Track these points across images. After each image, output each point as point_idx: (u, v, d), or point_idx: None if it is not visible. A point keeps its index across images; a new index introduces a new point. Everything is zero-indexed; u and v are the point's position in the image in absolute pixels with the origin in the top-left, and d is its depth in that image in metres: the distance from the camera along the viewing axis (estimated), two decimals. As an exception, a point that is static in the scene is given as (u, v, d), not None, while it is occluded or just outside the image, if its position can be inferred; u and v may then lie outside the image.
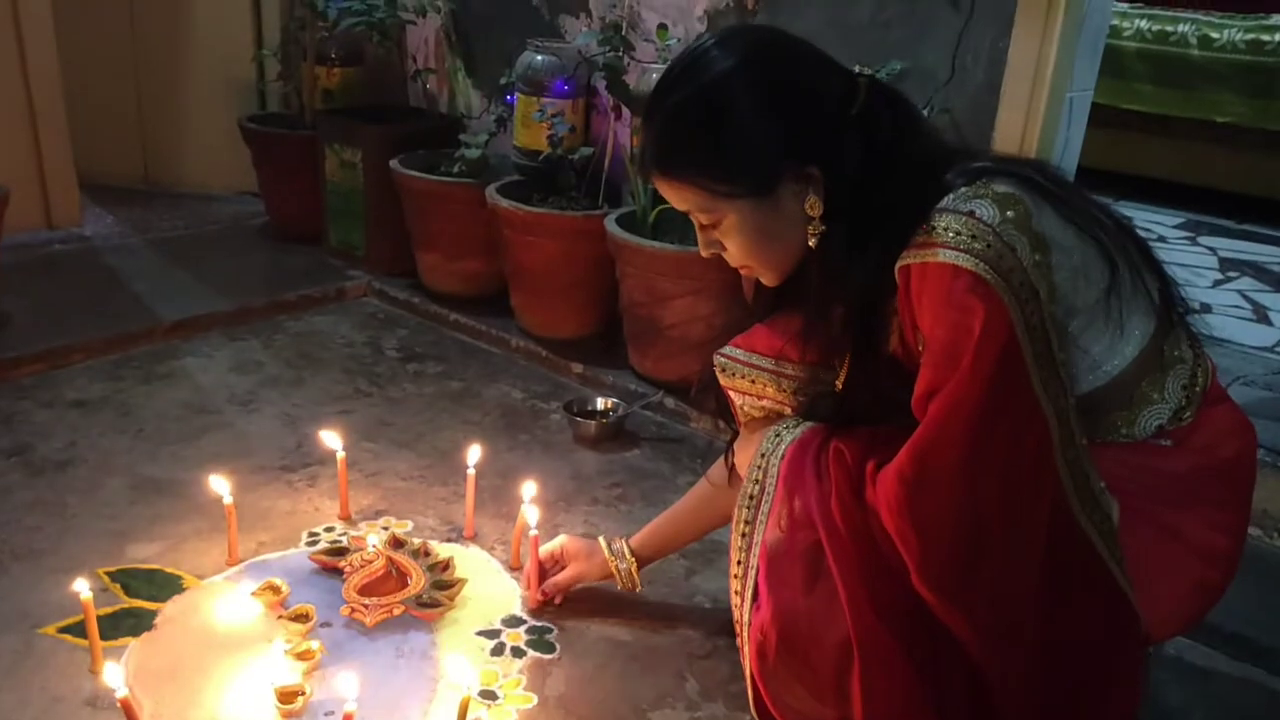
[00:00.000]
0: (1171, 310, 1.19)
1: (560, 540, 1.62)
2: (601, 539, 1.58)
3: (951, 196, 1.10)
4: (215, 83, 3.62)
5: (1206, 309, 2.95)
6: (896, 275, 1.12)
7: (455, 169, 2.75)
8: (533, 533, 1.59)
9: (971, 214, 1.06)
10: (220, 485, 1.64)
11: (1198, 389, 1.18)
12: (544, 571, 1.60)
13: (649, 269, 2.27)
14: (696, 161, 1.16)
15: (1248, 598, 1.28)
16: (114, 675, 1.20)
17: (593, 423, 2.19)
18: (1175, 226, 3.85)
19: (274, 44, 3.46)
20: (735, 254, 1.23)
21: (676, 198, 1.21)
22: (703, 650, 1.53)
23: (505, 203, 2.51)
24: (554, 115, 2.55)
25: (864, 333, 1.22)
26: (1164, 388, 1.16)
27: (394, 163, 2.81)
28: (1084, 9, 2.04)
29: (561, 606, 1.60)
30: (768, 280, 1.27)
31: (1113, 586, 1.11)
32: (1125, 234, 1.19)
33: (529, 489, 1.68)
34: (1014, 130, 2.09)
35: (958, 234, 1.05)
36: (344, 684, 1.21)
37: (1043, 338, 1.04)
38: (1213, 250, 3.61)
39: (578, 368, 2.50)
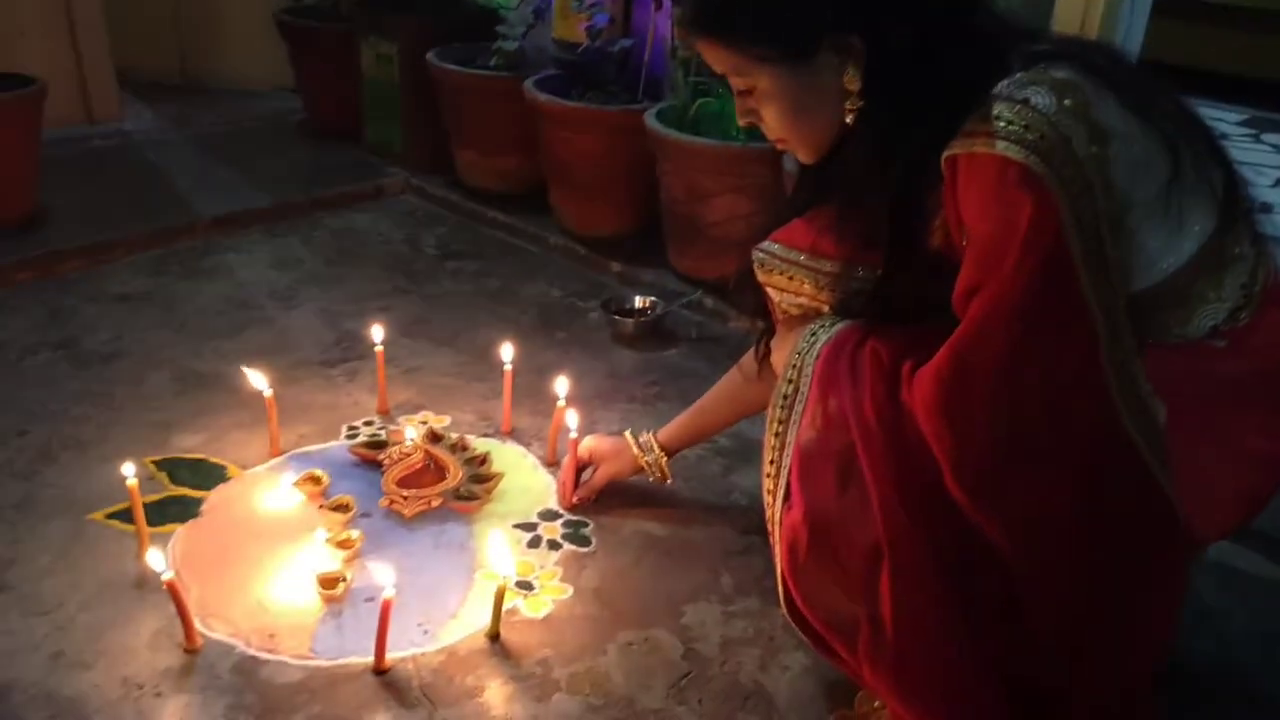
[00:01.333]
0: (1235, 205, 1.13)
1: (587, 442, 1.63)
2: (628, 434, 1.59)
3: (1007, 82, 1.04)
4: (251, -26, 3.56)
5: (1268, 208, 2.85)
6: (943, 165, 1.07)
7: (492, 62, 2.69)
8: (572, 435, 1.60)
9: (1026, 101, 1.00)
10: (257, 378, 1.66)
11: (1257, 288, 1.13)
12: (579, 474, 1.61)
13: (689, 165, 2.23)
14: (730, 20, 1.12)
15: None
16: (157, 559, 1.23)
17: (630, 321, 2.17)
18: (1239, 123, 3.71)
19: (309, -68, 3.38)
20: (770, 124, 1.19)
21: (711, 57, 1.17)
22: (738, 546, 1.53)
23: (543, 96, 2.45)
24: (592, 5, 2.48)
25: (904, 225, 1.18)
26: (1222, 286, 1.11)
27: (430, 55, 2.76)
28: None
29: (597, 502, 1.61)
30: (803, 157, 1.23)
31: (1156, 491, 1.08)
32: (1192, 124, 1.12)
33: (562, 385, 1.68)
34: (1074, 15, 1.99)
35: (1010, 123, 1.00)
36: (381, 573, 1.23)
37: (1094, 235, 0.99)
38: (1277, 148, 3.47)
39: (616, 266, 2.47)
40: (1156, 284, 1.09)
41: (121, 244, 2.38)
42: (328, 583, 1.36)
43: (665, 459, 1.57)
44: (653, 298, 2.26)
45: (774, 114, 1.17)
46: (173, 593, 1.24)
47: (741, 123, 1.24)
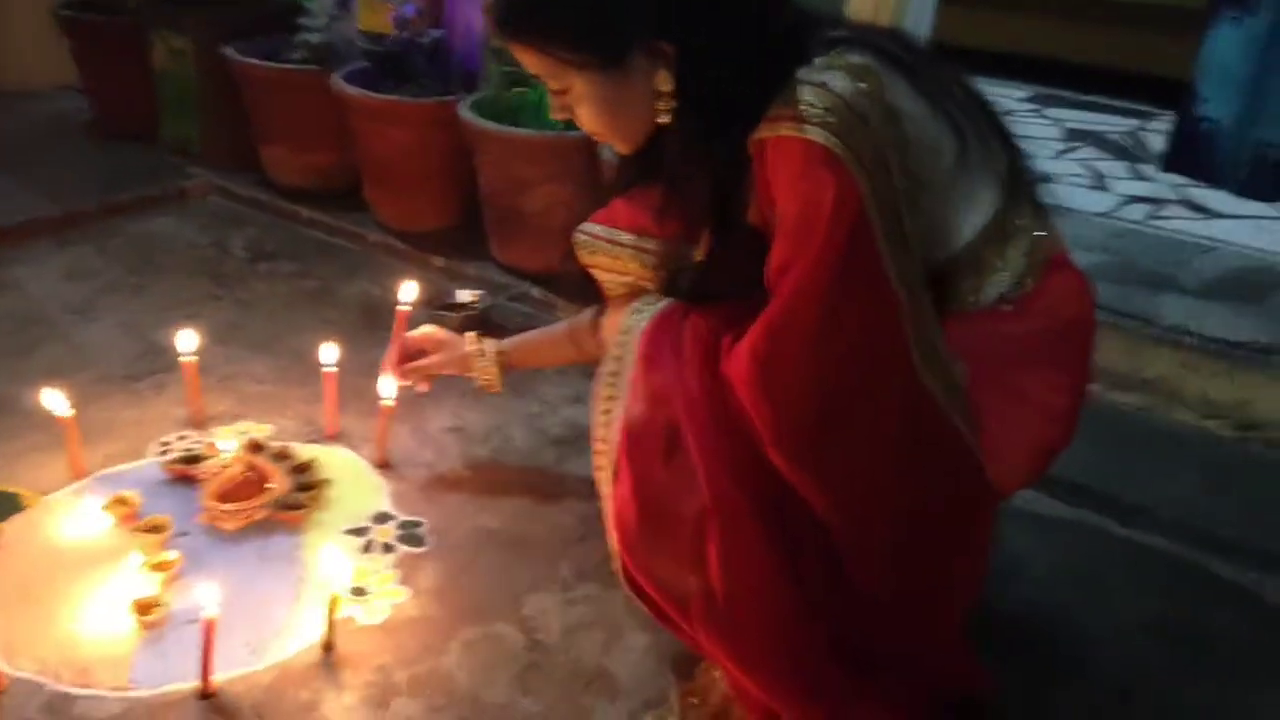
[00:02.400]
0: (1018, 180, 1.21)
1: (427, 328, 1.63)
2: (470, 333, 1.59)
3: (806, 68, 1.08)
4: (22, -35, 3.30)
5: (1049, 179, 3.06)
6: (751, 149, 1.10)
7: (297, 55, 2.59)
8: (400, 308, 1.63)
9: (824, 85, 1.04)
10: (54, 399, 1.54)
11: (1040, 256, 1.21)
12: (407, 356, 1.61)
13: (506, 155, 2.21)
14: (541, 27, 1.12)
15: (1084, 449, 1.36)
16: (-54, 601, 1.13)
17: (456, 316, 2.14)
18: (1023, 99, 3.97)
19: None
20: (585, 122, 1.20)
21: (525, 60, 1.17)
22: (576, 534, 1.54)
23: (352, 90, 2.38)
24: (399, -5, 2.42)
25: (722, 208, 1.21)
26: (1006, 255, 1.18)
27: (229, 50, 2.63)
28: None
29: (431, 501, 1.58)
30: (621, 149, 1.25)
31: (963, 447, 1.15)
32: (976, 105, 1.19)
33: (387, 385, 1.63)
34: (866, 1, 2.08)
35: (810, 106, 1.04)
36: (202, 592, 1.17)
37: (893, 212, 1.04)
38: (1058, 121, 3.73)
39: (439, 261, 2.43)
40: (951, 256, 1.15)
41: (-114, 262, 2.17)
42: (144, 608, 1.29)
43: (496, 367, 1.57)
44: (479, 291, 2.23)
45: (589, 114, 1.19)
46: (-34, 636, 1.14)
47: (556, 118, 1.24)
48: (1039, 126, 3.65)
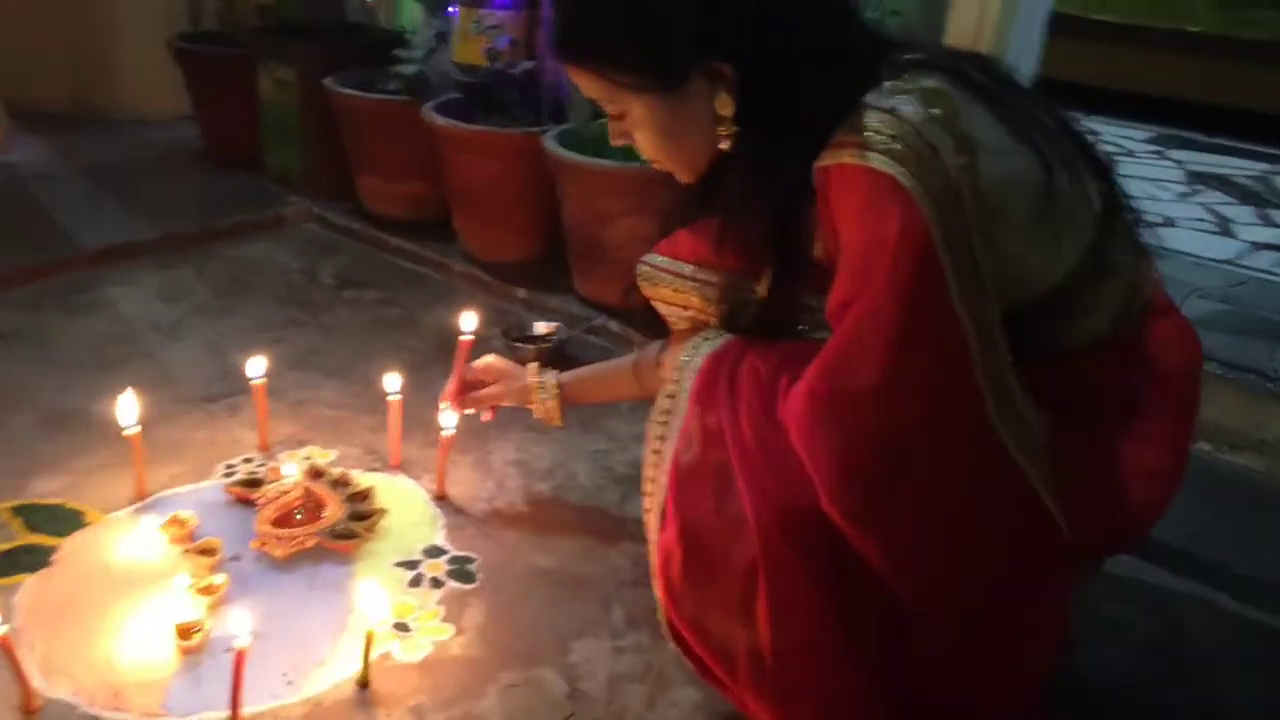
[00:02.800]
0: (1113, 218, 1.11)
1: (488, 359, 1.60)
2: (533, 364, 1.55)
3: (875, 92, 1.01)
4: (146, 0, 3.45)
5: (1170, 223, 2.89)
6: (815, 177, 1.04)
7: (392, 86, 2.62)
8: (463, 337, 1.60)
9: (893, 111, 0.97)
10: (125, 411, 1.55)
11: (1137, 300, 1.11)
12: (468, 386, 1.58)
13: (589, 187, 2.18)
14: (597, 49, 1.09)
15: (1191, 512, 1.23)
16: (-16, 614, 1.13)
17: (531, 348, 2.10)
18: (1144, 141, 3.77)
19: (205, -43, 3.29)
20: (643, 147, 1.16)
21: (582, 84, 1.14)
22: (631, 577, 1.47)
23: (441, 120, 2.39)
24: (491, 27, 2.43)
25: (784, 239, 1.14)
26: (1100, 297, 1.09)
27: (328, 81, 2.68)
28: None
29: (487, 536, 1.54)
30: (681, 178, 1.20)
31: (1038, 505, 1.05)
32: (1068, 136, 1.11)
33: (449, 416, 1.60)
34: (966, 30, 1.99)
35: (876, 133, 0.97)
36: (237, 619, 1.14)
37: (964, 246, 0.96)
38: (1180, 164, 3.53)
39: (521, 292, 2.41)
40: (1035, 297, 1.06)
41: (-5, 279, 2.26)
42: (185, 632, 1.27)
43: (557, 398, 1.52)
44: (555, 323, 2.19)
45: (647, 140, 1.15)
46: (5, 650, 1.14)
47: (615, 143, 1.21)
48: (1160, 169, 3.46)
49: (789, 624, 1.04)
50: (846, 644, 1.04)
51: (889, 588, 1.02)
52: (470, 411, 1.59)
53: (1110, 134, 3.24)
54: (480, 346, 2.15)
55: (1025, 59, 2.16)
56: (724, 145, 1.10)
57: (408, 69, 2.58)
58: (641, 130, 1.13)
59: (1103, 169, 1.12)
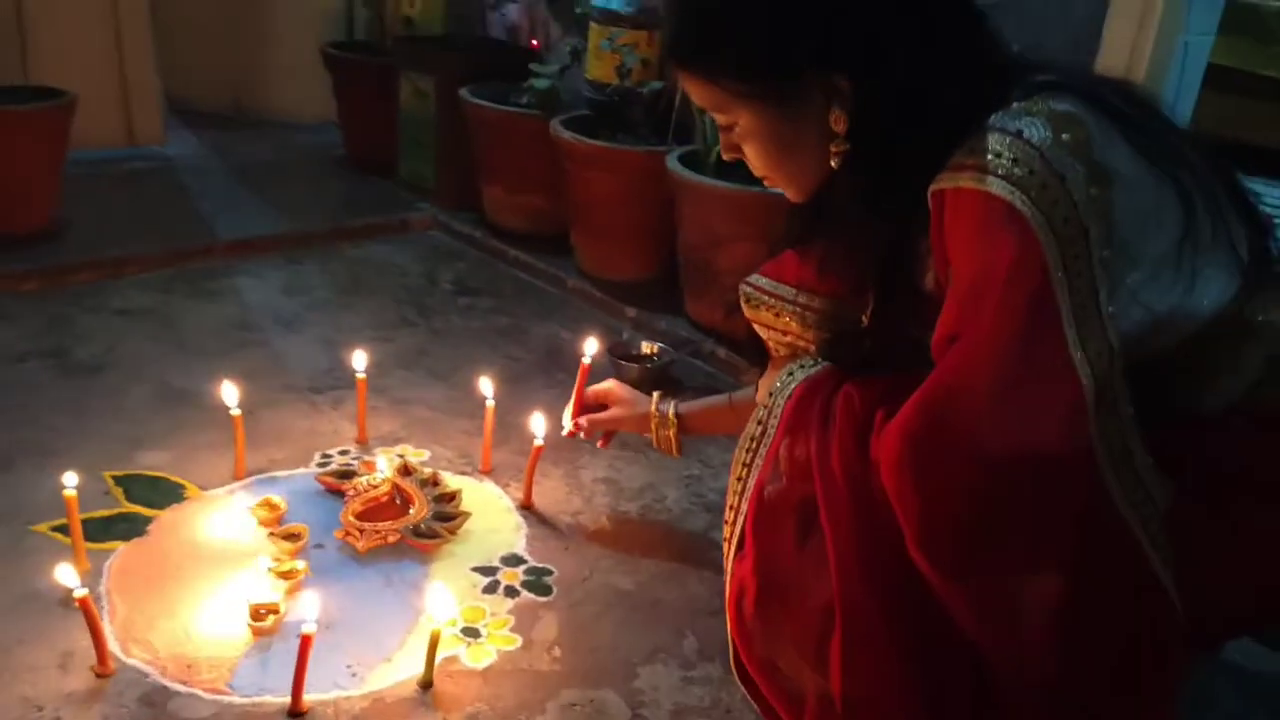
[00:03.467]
0: (1262, 269, 1.01)
1: (610, 383, 1.57)
2: (656, 393, 1.51)
3: (1001, 113, 0.94)
4: (305, 8, 3.61)
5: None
6: (930, 200, 0.98)
7: (524, 100, 2.66)
8: (585, 360, 1.57)
9: (1019, 134, 0.90)
10: (229, 394, 1.59)
11: (1286, 366, 1.01)
12: (587, 409, 1.56)
13: (705, 209, 2.15)
14: (710, 53, 1.04)
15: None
16: (68, 575, 1.16)
17: (635, 367, 2.08)
18: (1309, 205, 3.53)
19: (362, -31, 3.42)
20: (753, 161, 1.11)
21: (692, 91, 1.10)
22: (710, 608, 1.42)
23: (566, 134, 2.41)
24: (624, 45, 2.44)
25: (892, 266, 1.08)
26: (1240, 356, 0.99)
27: (463, 92, 2.73)
28: (1205, -62, 1.82)
29: (567, 550, 1.51)
30: (790, 196, 1.15)
31: (1151, 581, 0.95)
32: (1216, 175, 1.01)
33: (539, 423, 1.59)
34: (1115, 74, 1.88)
35: (997, 155, 0.90)
36: (307, 605, 1.14)
37: (1087, 285, 0.88)
38: (1349, 232, 3.29)
39: (631, 311, 2.39)
40: (1166, 349, 0.97)
41: (134, 260, 2.37)
42: (258, 614, 1.28)
43: (676, 428, 1.48)
44: (661, 345, 2.17)
45: (756, 152, 1.10)
46: (86, 612, 1.16)
47: (726, 157, 1.17)
48: (1325, 233, 3.23)
49: (862, 673, 0.97)
50: (923, 705, 0.96)
51: (977, 651, 0.94)
52: (585, 436, 1.57)
53: (1274, 196, 3.03)
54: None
55: (1182, 101, 2.03)
56: (834, 163, 1.05)
57: (540, 83, 2.60)
58: (751, 142, 1.08)
59: (1253, 214, 1.03)
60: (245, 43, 3.71)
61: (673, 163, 2.22)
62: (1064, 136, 0.90)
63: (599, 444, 1.60)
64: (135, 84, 3.08)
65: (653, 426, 1.49)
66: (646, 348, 2.15)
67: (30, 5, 2.81)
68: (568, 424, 1.56)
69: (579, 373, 1.56)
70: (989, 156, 0.91)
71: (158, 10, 3.14)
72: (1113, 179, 0.91)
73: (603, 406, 1.56)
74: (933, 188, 0.96)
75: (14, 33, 2.76)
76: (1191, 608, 0.95)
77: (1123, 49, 1.88)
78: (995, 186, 0.89)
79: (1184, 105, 2.06)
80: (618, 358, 2.11)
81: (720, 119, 1.10)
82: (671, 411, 1.48)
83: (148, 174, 3.06)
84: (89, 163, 2.91)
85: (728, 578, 1.13)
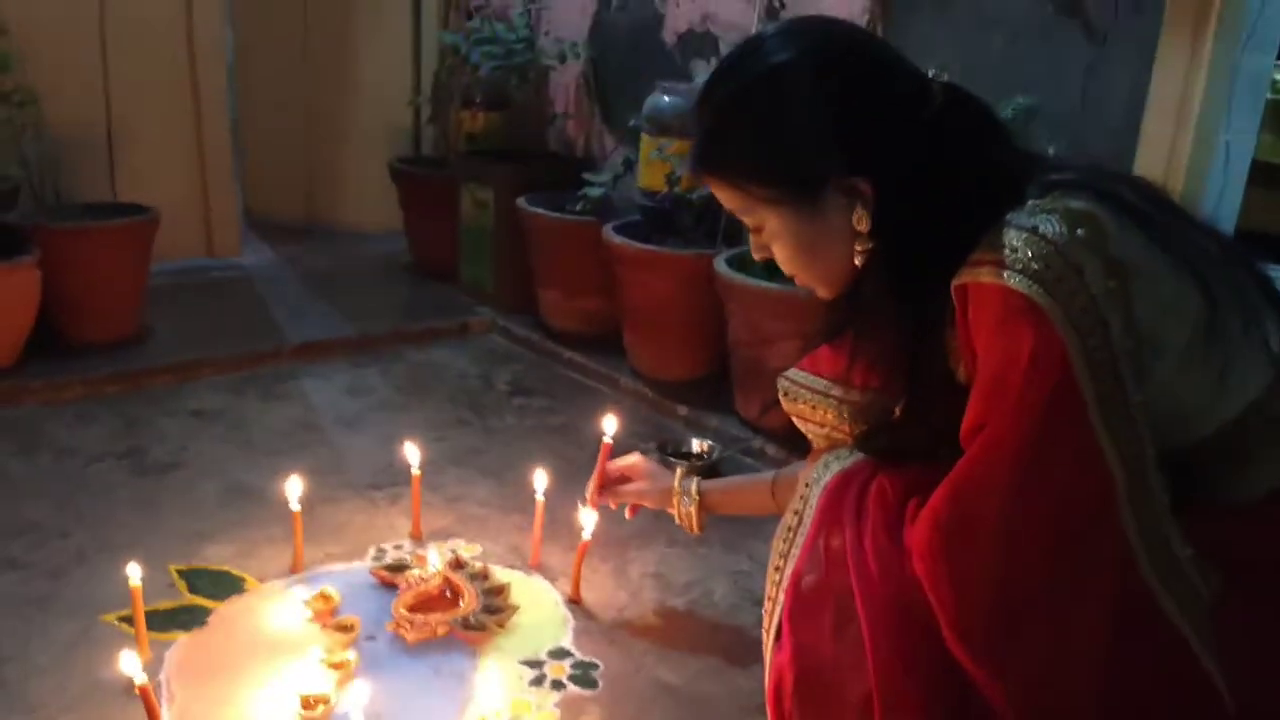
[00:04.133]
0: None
1: (634, 457, 1.60)
2: (679, 469, 1.55)
3: (1018, 211, 0.98)
4: (376, 126, 3.82)
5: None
6: (953, 295, 1.01)
7: (578, 207, 2.76)
8: (606, 439, 1.59)
9: (1034, 230, 0.93)
10: (292, 490, 1.65)
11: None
12: (610, 482, 1.60)
13: (754, 308, 2.20)
14: (733, 160, 1.09)
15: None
16: (131, 663, 1.20)
17: (685, 464, 2.11)
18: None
19: (429, 89, 3.60)
20: (781, 260, 1.15)
21: (720, 195, 1.14)
22: (756, 704, 1.41)
23: (618, 239, 2.49)
24: (673, 154, 2.53)
25: (921, 359, 1.11)
26: (1277, 445, 0.99)
27: (520, 200, 2.85)
28: (1239, 37, 1.85)
29: (614, 644, 1.52)
30: (821, 293, 1.18)
31: (1197, 674, 0.94)
32: (1241, 268, 1.03)
33: (589, 518, 1.62)
34: (1154, 175, 1.90)
35: (1014, 250, 0.93)
36: (355, 693, 1.17)
37: (1111, 376, 0.89)
38: None
39: (683, 410, 2.43)
40: (1199, 439, 0.98)
41: (208, 363, 2.49)
42: (309, 704, 1.31)
43: (698, 505, 1.51)
44: (710, 442, 2.19)
45: (784, 252, 1.13)
46: (145, 700, 1.21)
47: (757, 258, 1.20)
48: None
49: (903, 763, 0.97)
50: (964, 793, 0.95)
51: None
52: (611, 505, 1.61)
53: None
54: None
55: (1226, 201, 2.04)
56: (857, 261, 1.09)
57: (594, 191, 2.71)
58: (778, 243, 1.13)
59: None
60: (319, 158, 3.92)
61: (720, 265, 2.29)
62: (1079, 232, 0.93)
63: (627, 514, 1.64)
64: (215, 199, 3.27)
65: (675, 502, 1.53)
66: (698, 445, 2.18)
67: (118, 126, 3.02)
68: (590, 497, 1.60)
69: (601, 449, 1.60)
70: (1006, 252, 0.94)
71: (238, 128, 3.35)
72: (1130, 273, 0.93)
73: (625, 480, 1.60)
74: (955, 282, 0.99)
75: (104, 152, 2.97)
76: (1241, 702, 0.94)
77: (1161, 149, 1.91)
78: (1013, 281, 0.92)
79: (1229, 203, 2.06)
80: (668, 454, 2.14)
81: (749, 221, 1.15)
82: (695, 488, 1.52)
83: (222, 284, 3.22)
84: (170, 273, 3.07)
85: (766, 668, 1.13)
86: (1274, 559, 1.00)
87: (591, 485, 1.60)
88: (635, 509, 1.63)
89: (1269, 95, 2.24)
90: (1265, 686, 0.97)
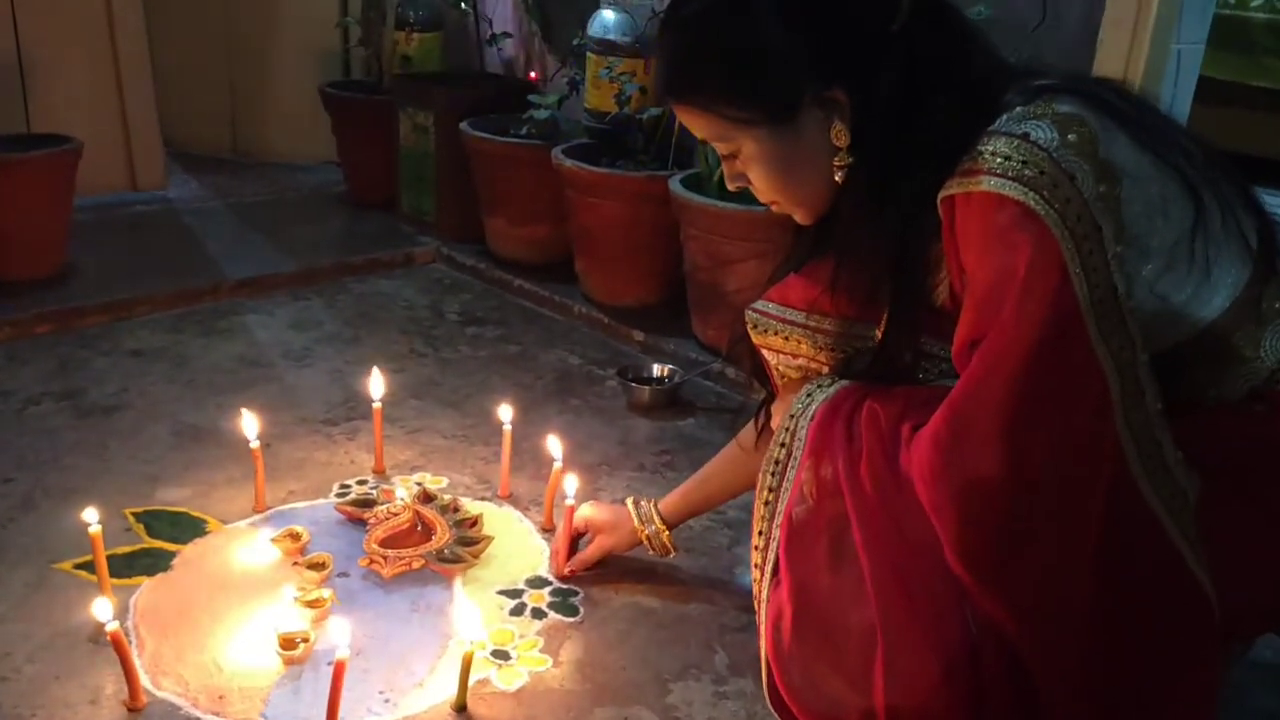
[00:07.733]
0: (1273, 256, 1.03)
1: (585, 511, 1.50)
2: (629, 502, 1.47)
3: (1005, 117, 0.96)
4: (302, 51, 3.65)
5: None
6: (940, 208, 0.99)
7: (524, 131, 2.68)
8: (568, 502, 1.49)
9: (1025, 136, 0.92)
10: (249, 426, 1.60)
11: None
12: (574, 541, 1.51)
13: (711, 230, 2.17)
14: (706, 84, 1.05)
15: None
16: (103, 609, 1.16)
17: (646, 389, 2.09)
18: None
19: (357, 11, 3.45)
20: (759, 187, 1.11)
21: (691, 124, 1.10)
22: (737, 623, 1.42)
23: (569, 163, 2.43)
24: (622, 74, 2.46)
25: (905, 280, 1.09)
26: (1260, 344, 1.00)
27: (463, 125, 2.76)
28: (1193, -52, 1.85)
29: (591, 570, 1.51)
30: (800, 218, 1.15)
31: (1184, 573, 0.96)
32: (1218, 167, 1.03)
33: (556, 446, 1.59)
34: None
35: (1006, 159, 0.91)
36: (338, 632, 1.14)
37: (1105, 281, 0.89)
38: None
39: (639, 335, 2.40)
40: (1183, 340, 0.98)
41: (144, 301, 2.38)
42: (288, 643, 1.28)
43: (667, 532, 1.45)
44: (671, 366, 2.18)
45: (761, 177, 1.09)
46: (117, 646, 1.16)
47: (731, 187, 1.16)
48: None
49: (906, 685, 0.96)
50: (968, 713, 0.96)
51: (1018, 657, 0.94)
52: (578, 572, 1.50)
53: (1271, 205, 3.04)
54: (596, 385, 2.17)
55: (1176, 109, 2.05)
56: (838, 177, 1.06)
57: (540, 114, 2.63)
58: (755, 168, 1.08)
59: (1256, 205, 1.04)
60: (242, 86, 3.74)
61: (675, 186, 2.25)
62: (1070, 137, 0.91)
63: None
64: (138, 132, 3.10)
65: (643, 537, 1.45)
66: (658, 370, 2.16)
67: (31, 53, 2.83)
68: (558, 570, 1.49)
69: (564, 516, 1.49)
70: (998, 160, 0.92)
71: (156, 56, 3.18)
72: (1119, 175, 0.93)
73: (580, 535, 1.51)
74: (942, 194, 0.98)
75: (15, 81, 2.78)
76: (1225, 600, 0.96)
77: (1118, 57, 1.91)
78: (1008, 189, 0.91)
79: (1178, 113, 2.08)
80: (628, 380, 2.12)
81: (722, 148, 1.10)
82: (654, 512, 1.44)
83: (149, 217, 3.07)
84: (92, 208, 2.92)
85: (763, 604, 1.13)
86: (1257, 457, 1.02)
87: (558, 554, 1.50)
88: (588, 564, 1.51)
89: (1215, 9, 2.25)
90: (1247, 584, 1.00)
